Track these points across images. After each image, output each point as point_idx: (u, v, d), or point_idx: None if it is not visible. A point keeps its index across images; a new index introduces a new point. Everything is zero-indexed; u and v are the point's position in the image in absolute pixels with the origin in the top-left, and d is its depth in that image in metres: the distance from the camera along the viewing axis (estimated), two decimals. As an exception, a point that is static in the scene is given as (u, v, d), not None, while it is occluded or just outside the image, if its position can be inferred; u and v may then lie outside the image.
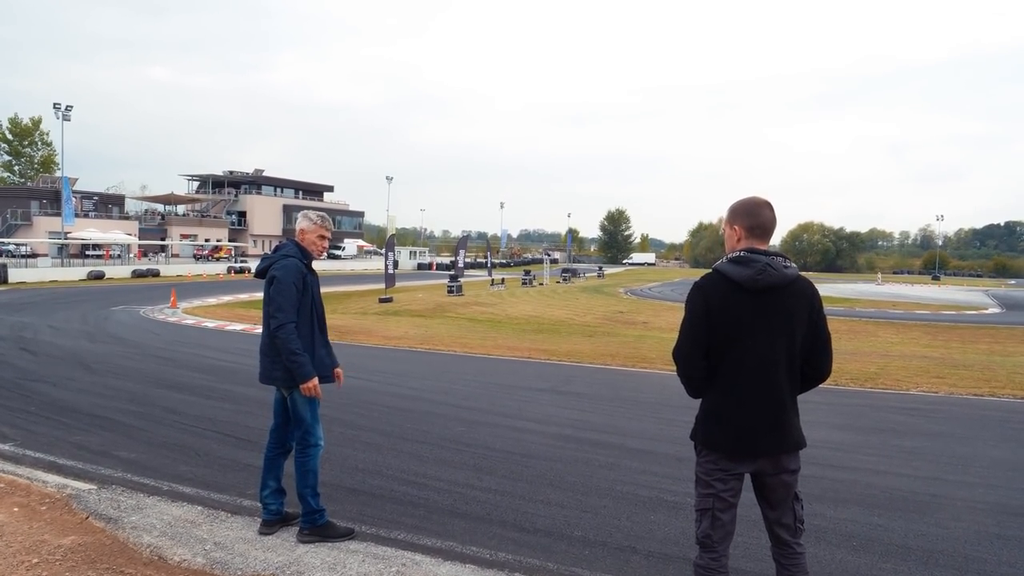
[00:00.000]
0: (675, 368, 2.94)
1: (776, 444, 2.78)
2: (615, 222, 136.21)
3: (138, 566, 3.84)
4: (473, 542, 4.24)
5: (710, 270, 2.88)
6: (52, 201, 59.60)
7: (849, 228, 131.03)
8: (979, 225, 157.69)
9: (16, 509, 4.61)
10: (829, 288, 50.68)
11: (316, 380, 4.19)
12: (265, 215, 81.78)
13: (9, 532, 4.22)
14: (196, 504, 4.78)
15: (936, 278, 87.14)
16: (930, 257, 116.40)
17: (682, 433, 6.88)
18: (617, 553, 4.15)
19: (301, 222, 4.45)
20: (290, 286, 4.14)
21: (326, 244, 4.51)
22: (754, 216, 2.84)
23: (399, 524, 4.51)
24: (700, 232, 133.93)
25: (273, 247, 4.49)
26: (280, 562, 3.89)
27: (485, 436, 6.85)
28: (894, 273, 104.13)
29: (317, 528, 4.24)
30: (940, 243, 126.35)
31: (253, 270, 4.49)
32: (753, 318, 2.73)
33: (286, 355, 4.09)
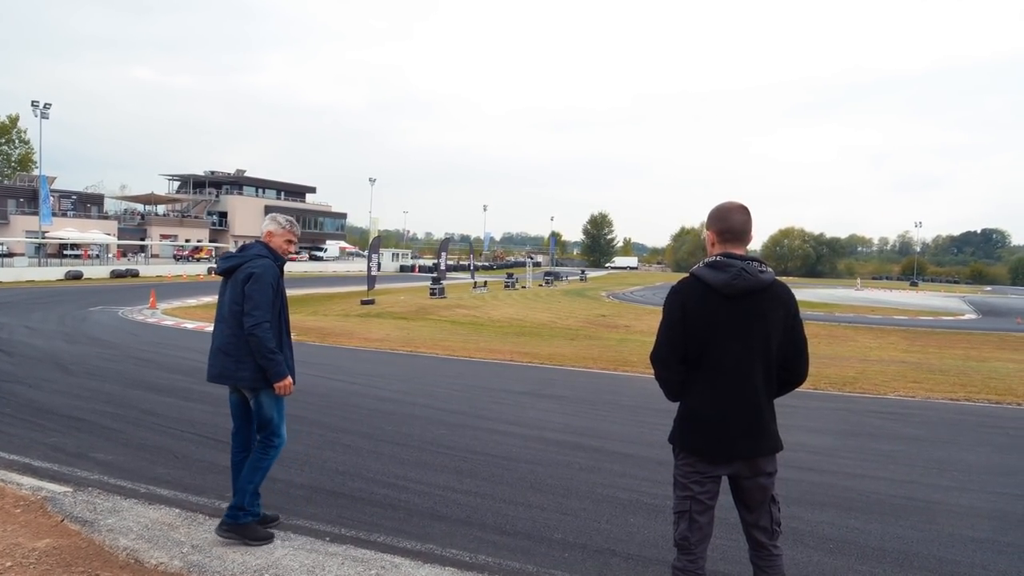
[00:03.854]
0: (653, 371, 2.96)
1: (753, 447, 2.81)
2: (598, 226, 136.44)
3: (114, 569, 3.80)
4: (453, 545, 4.24)
5: (687, 274, 2.91)
6: (29, 200, 58.86)
7: (829, 234, 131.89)
8: (957, 232, 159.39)
9: (-10, 512, 4.55)
10: (809, 293, 51.11)
11: (290, 379, 4.21)
12: (247, 216, 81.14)
13: (-18, 535, 4.16)
14: (174, 507, 4.74)
15: (914, 284, 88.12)
16: (909, 263, 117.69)
17: (662, 436, 6.91)
18: (597, 556, 4.17)
19: (269, 224, 4.43)
20: (268, 286, 4.14)
21: (293, 248, 4.54)
22: (724, 220, 2.86)
23: (379, 527, 4.49)
24: (682, 237, 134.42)
25: (239, 248, 4.44)
26: (258, 565, 3.87)
27: (466, 439, 6.84)
28: (873, 279, 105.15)
29: (239, 526, 4.18)
30: (918, 249, 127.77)
31: (217, 267, 4.43)
32: (729, 322, 2.76)
33: (263, 353, 4.07)
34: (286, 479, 5.41)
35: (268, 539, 4.21)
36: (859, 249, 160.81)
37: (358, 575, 3.79)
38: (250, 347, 4.10)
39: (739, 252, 2.84)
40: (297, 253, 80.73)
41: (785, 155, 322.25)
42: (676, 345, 2.83)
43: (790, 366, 2.90)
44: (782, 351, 2.85)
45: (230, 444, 4.47)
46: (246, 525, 4.20)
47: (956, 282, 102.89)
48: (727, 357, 2.77)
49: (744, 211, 2.88)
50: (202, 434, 6.69)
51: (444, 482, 5.46)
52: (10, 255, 48.07)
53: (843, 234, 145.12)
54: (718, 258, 2.81)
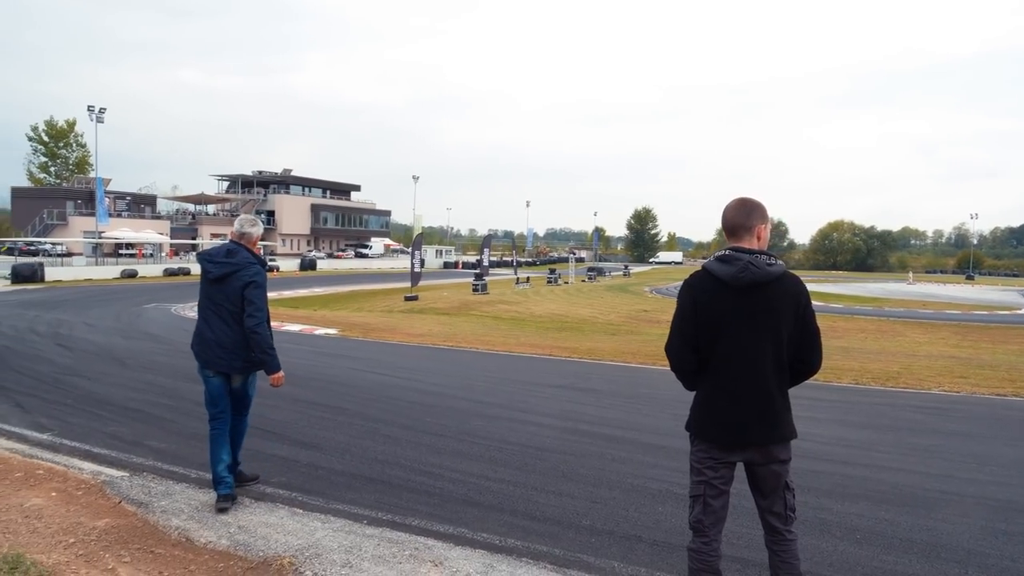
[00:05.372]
0: (668, 363, 3.08)
1: (765, 435, 2.90)
2: (642, 221, 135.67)
3: (167, 547, 4.06)
4: (484, 529, 4.41)
5: (699, 268, 3.03)
6: (86, 201, 60.96)
7: (880, 226, 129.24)
8: (1016, 223, 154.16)
9: (54, 494, 4.87)
10: (858, 288, 50.18)
11: (282, 372, 4.89)
12: (293, 214, 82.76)
13: (48, 514, 4.47)
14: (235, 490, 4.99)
15: (970, 277, 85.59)
16: (964, 256, 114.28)
17: (696, 429, 7.00)
18: (623, 541, 4.29)
19: (246, 228, 4.96)
20: (264, 290, 4.84)
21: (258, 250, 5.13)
22: (723, 216, 3.00)
23: (414, 511, 4.69)
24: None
25: (224, 251, 4.88)
26: (299, 544, 4.09)
27: (502, 430, 7.01)
28: (927, 272, 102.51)
29: (235, 476, 4.96)
30: (975, 242, 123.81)
31: (206, 271, 4.88)
32: (737, 314, 2.86)
33: (264, 349, 4.73)
34: (328, 466, 5.66)
35: (255, 479, 5.18)
36: (912, 242, 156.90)
37: (392, 555, 3.98)
38: (250, 342, 4.72)
39: (748, 246, 2.94)
40: (343, 250, 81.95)
41: (831, 145, 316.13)
42: (688, 336, 2.95)
43: (803, 356, 2.98)
44: (794, 342, 2.94)
45: (212, 422, 4.93)
46: (238, 474, 5.05)
47: (1015, 275, 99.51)
48: (737, 348, 2.88)
49: (741, 206, 2.97)
50: (249, 424, 6.96)
51: (478, 471, 5.63)
52: (69, 255, 49.86)
53: (895, 226, 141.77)
54: (727, 251, 2.92)
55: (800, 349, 2.97)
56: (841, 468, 5.95)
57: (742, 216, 2.95)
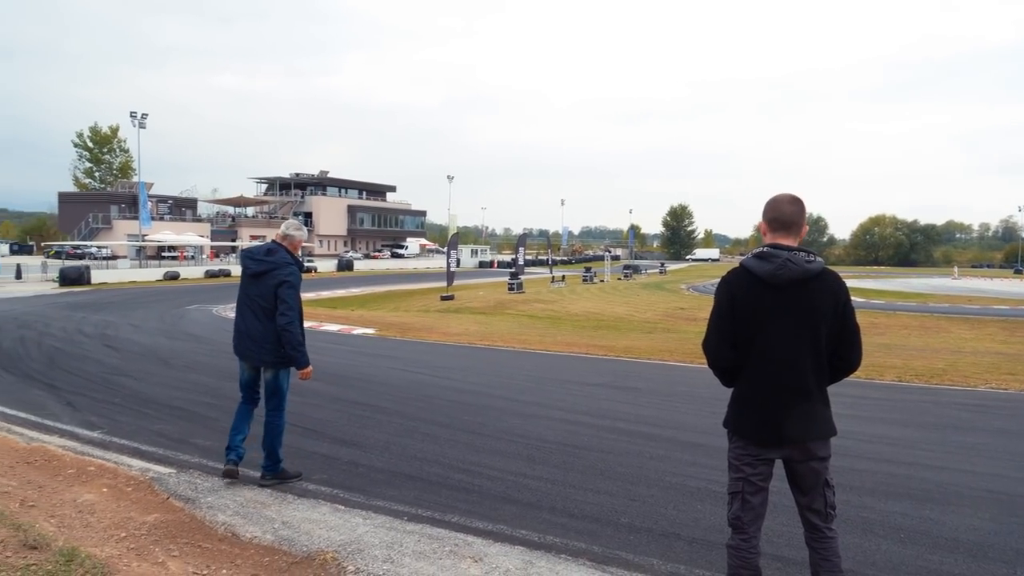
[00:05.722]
0: (705, 359, 3.08)
1: (802, 432, 2.89)
2: (678, 218, 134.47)
3: (214, 541, 4.17)
4: (522, 526, 4.45)
5: (737, 265, 3.02)
6: (130, 205, 62.42)
7: (924, 221, 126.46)
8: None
9: (105, 490, 5.03)
10: (901, 283, 49.19)
11: (311, 367, 5.15)
12: (330, 215, 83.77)
13: (100, 509, 4.61)
14: (265, 487, 5.11)
15: (1019, 271, 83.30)
16: (1012, 250, 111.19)
17: (734, 427, 6.95)
18: (661, 539, 4.29)
19: (292, 231, 5.25)
20: (297, 290, 5.07)
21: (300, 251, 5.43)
22: (775, 211, 2.95)
23: (453, 508, 4.75)
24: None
25: (264, 251, 5.17)
26: (342, 540, 4.17)
27: (540, 428, 7.04)
28: (972, 267, 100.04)
29: (278, 474, 5.16)
30: (1023, 235, 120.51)
31: (245, 267, 5.27)
32: (776, 311, 2.85)
33: (294, 345, 4.98)
34: (368, 464, 5.75)
35: (298, 476, 5.26)
36: (957, 236, 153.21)
37: (433, 551, 4.04)
38: (281, 339, 4.97)
39: (788, 243, 2.92)
40: (379, 251, 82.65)
41: (871, 138, 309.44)
42: (725, 333, 2.95)
43: (842, 354, 2.96)
44: (833, 339, 2.92)
45: (237, 407, 5.34)
46: (281, 472, 5.18)
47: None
48: (775, 345, 2.87)
49: (796, 202, 2.96)
50: (291, 423, 7.02)
51: (516, 468, 5.67)
52: (114, 257, 51.18)
53: (938, 220, 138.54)
54: (765, 248, 2.91)
55: (839, 346, 2.95)
56: (884, 466, 5.87)
57: (798, 212, 2.95)
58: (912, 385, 9.83)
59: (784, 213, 2.94)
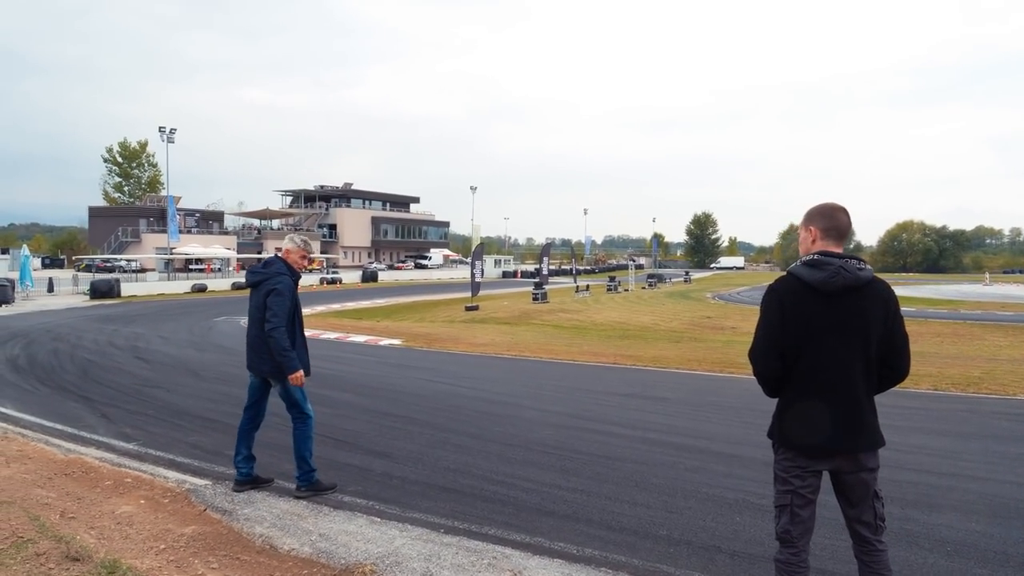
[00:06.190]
0: (752, 369, 3.03)
1: (853, 443, 2.83)
2: (701, 226, 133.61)
3: (252, 553, 4.18)
4: (560, 539, 4.40)
5: (784, 273, 2.97)
6: (158, 219, 63.35)
7: (952, 226, 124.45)
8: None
9: (142, 501, 5.06)
10: (930, 290, 48.43)
11: (301, 372, 5.09)
12: (355, 227, 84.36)
13: (138, 521, 4.65)
14: (301, 499, 5.11)
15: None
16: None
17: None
18: (702, 552, 4.23)
19: (287, 244, 5.39)
20: (286, 299, 5.08)
21: (306, 264, 5.49)
22: (831, 219, 2.92)
23: (490, 521, 4.72)
24: (791, 234, 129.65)
25: (263, 263, 5.36)
26: (380, 552, 4.15)
27: (571, 439, 6.99)
28: (1004, 273, 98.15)
29: (312, 484, 5.19)
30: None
31: (245, 280, 5.51)
32: (827, 320, 2.81)
33: (279, 351, 4.99)
34: (401, 475, 5.74)
35: (333, 487, 5.26)
36: (987, 241, 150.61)
37: (471, 564, 4.01)
38: (268, 345, 5.03)
39: (838, 250, 2.88)
40: (403, 262, 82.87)
41: (898, 144, 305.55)
42: (774, 342, 2.89)
43: (891, 363, 2.91)
44: (883, 348, 2.87)
45: (241, 415, 5.38)
46: (315, 482, 5.20)
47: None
48: (826, 354, 2.82)
49: (847, 212, 2.96)
50: (322, 434, 7.05)
51: (551, 480, 5.63)
52: (143, 270, 51.87)
53: (968, 225, 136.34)
54: (816, 256, 2.86)
55: (888, 355, 2.89)
56: (925, 477, 5.75)
57: (848, 220, 2.94)
58: (948, 394, 9.63)
59: (841, 222, 2.92)
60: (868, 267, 2.85)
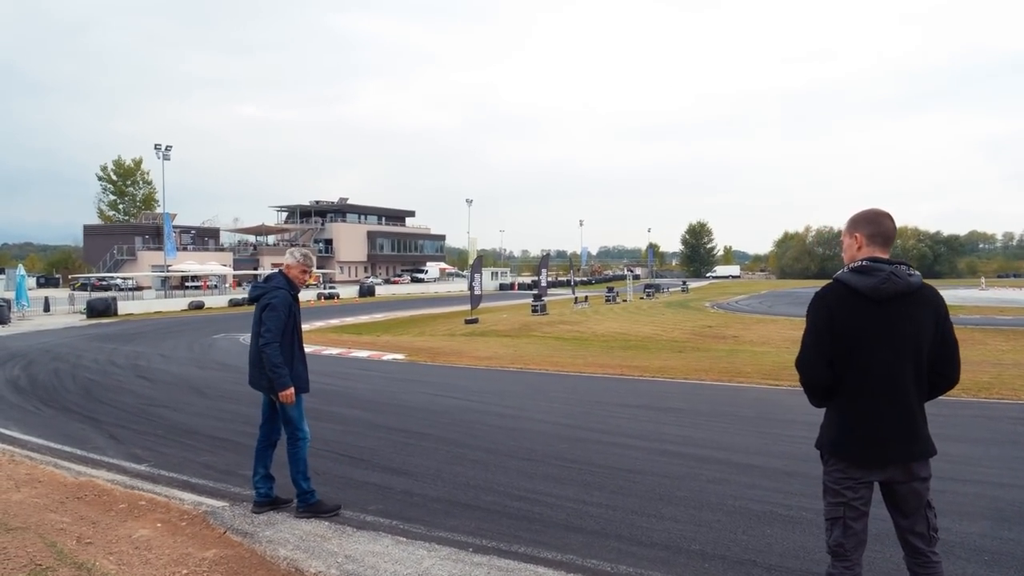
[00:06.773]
0: (799, 377, 2.96)
1: (906, 452, 2.77)
2: (696, 235, 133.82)
3: (278, 577, 4.07)
4: (592, 555, 4.31)
5: (831, 280, 2.91)
6: (154, 236, 63.14)
7: (946, 231, 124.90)
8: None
9: (159, 525, 4.95)
10: (928, 295, 48.41)
11: (292, 389, 4.98)
12: (351, 242, 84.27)
13: (156, 546, 4.54)
14: (323, 519, 5.01)
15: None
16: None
17: (787, 447, 6.80)
18: (738, 566, 4.14)
19: (287, 259, 5.32)
20: (281, 313, 4.99)
21: (307, 278, 5.39)
22: (877, 224, 2.87)
23: (518, 538, 4.62)
24: (786, 242, 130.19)
25: (264, 278, 5.34)
26: (408, 574, 4.05)
27: (589, 453, 6.90)
28: (999, 277, 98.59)
29: (310, 506, 5.07)
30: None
31: (248, 295, 5.46)
32: (878, 327, 2.75)
33: (270, 366, 4.92)
34: (422, 493, 5.64)
35: (336, 510, 5.11)
36: (981, 246, 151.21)
37: (504, 584, 3.91)
38: (262, 359, 4.96)
39: (885, 256, 2.83)
40: (399, 276, 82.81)
41: (887, 150, 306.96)
42: (823, 351, 2.82)
43: (941, 369, 2.85)
44: (933, 354, 2.81)
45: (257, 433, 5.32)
46: (315, 504, 5.08)
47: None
48: (877, 362, 2.75)
49: (892, 217, 2.92)
50: (336, 452, 7.01)
51: (573, 495, 5.54)
52: (139, 288, 51.64)
53: (961, 230, 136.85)
54: (864, 262, 2.80)
55: (938, 362, 2.84)
56: (950, 485, 5.67)
57: (893, 225, 2.89)
58: (960, 399, 9.57)
59: (886, 227, 2.87)
60: (917, 273, 2.79)
